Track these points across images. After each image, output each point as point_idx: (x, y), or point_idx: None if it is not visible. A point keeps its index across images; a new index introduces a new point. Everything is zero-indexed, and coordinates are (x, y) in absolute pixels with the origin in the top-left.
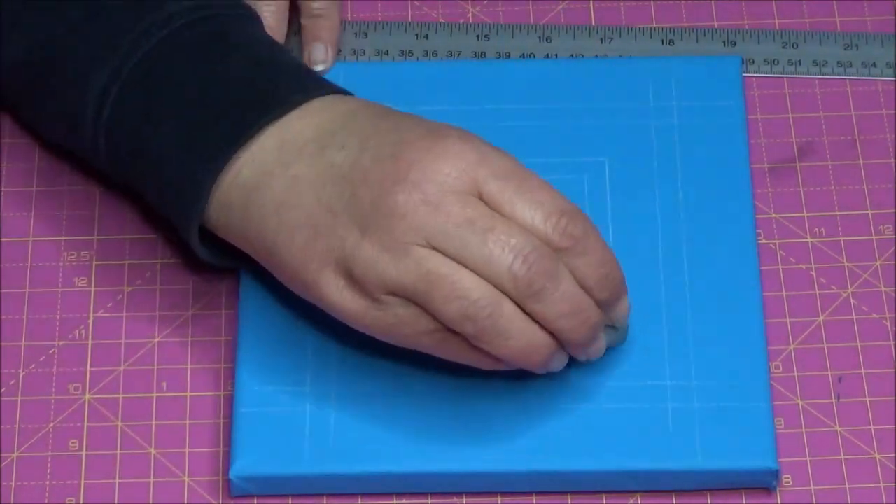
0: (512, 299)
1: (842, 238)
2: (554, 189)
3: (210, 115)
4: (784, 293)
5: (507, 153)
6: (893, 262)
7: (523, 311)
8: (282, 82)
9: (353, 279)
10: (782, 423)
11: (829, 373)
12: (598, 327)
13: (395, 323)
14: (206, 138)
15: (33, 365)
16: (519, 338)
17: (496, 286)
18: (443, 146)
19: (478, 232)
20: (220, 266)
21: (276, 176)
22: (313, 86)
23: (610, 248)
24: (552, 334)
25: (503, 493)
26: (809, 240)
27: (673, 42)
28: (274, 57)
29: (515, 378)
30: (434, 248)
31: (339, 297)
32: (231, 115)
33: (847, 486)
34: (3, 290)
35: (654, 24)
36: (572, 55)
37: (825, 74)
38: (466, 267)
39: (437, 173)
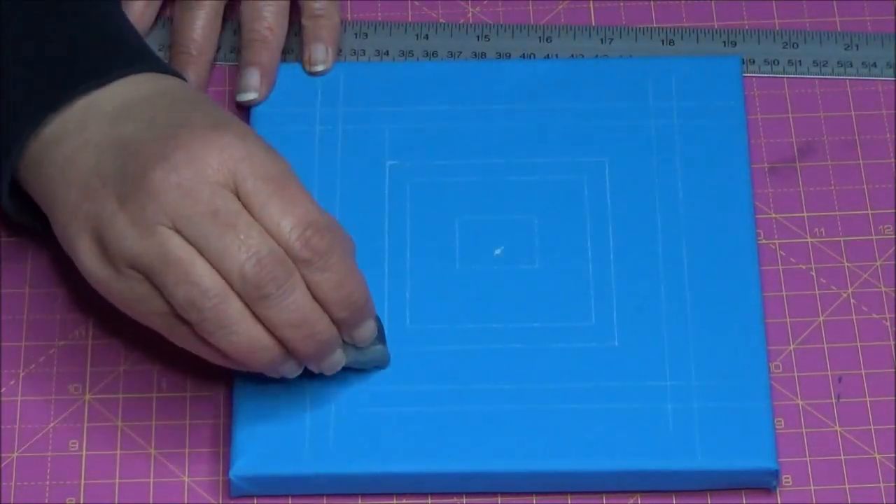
0: (241, 298)
1: (842, 238)
2: (313, 202)
3: (34, 74)
4: (784, 293)
5: (282, 159)
6: (893, 262)
7: (253, 311)
8: (108, 51)
9: (104, 247)
10: (782, 423)
11: (829, 373)
12: (328, 344)
13: (133, 298)
14: (23, 97)
15: (33, 365)
16: (241, 335)
17: (228, 281)
18: (215, 137)
19: (219, 225)
20: (24, 223)
21: (72, 135)
22: (138, 59)
23: (358, 270)
24: (281, 341)
25: (503, 493)
26: (809, 240)
27: (673, 42)
28: (107, 18)
29: (515, 378)
30: (179, 232)
31: (89, 262)
32: (52, 82)
33: (847, 486)
34: (3, 290)
35: (654, 24)
36: (572, 55)
37: (825, 74)
38: (204, 257)
39: (198, 161)
